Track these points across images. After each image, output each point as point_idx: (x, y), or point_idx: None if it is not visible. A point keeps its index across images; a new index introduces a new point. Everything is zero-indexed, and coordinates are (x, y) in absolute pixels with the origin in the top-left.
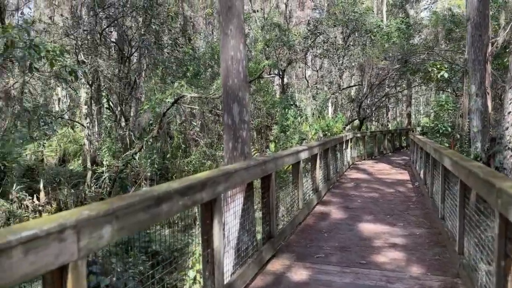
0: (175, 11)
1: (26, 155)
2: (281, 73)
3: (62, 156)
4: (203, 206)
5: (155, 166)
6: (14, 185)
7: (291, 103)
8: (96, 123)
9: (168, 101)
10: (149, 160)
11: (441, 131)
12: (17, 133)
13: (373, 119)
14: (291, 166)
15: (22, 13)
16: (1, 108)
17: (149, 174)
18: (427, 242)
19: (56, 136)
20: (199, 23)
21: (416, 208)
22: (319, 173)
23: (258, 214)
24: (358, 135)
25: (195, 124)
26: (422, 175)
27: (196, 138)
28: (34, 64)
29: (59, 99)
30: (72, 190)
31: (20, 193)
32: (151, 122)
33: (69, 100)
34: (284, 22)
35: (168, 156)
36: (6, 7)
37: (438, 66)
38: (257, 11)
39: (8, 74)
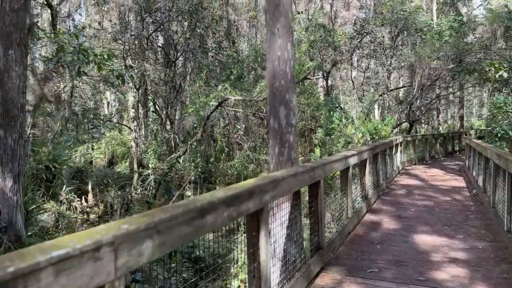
0: (219, 15)
1: (76, 157)
2: (325, 75)
3: (111, 158)
4: (249, 216)
5: (199, 169)
6: (64, 186)
7: (336, 105)
8: (142, 126)
9: (212, 104)
10: (192, 164)
11: (499, 135)
12: (65, 136)
13: (423, 121)
14: (339, 172)
15: (73, 19)
16: (52, 111)
17: (192, 177)
18: (492, 258)
19: (105, 138)
20: (243, 26)
21: (476, 218)
22: (368, 179)
23: (305, 224)
24: (408, 138)
25: (239, 127)
26: (480, 183)
27: (240, 142)
28: (82, 68)
29: (108, 103)
30: (119, 192)
31: (69, 194)
32: (195, 125)
33: (117, 104)
34: (329, 23)
35: (211, 159)
36: (58, 13)
37: (497, 66)
38: (301, 12)
39: (59, 78)
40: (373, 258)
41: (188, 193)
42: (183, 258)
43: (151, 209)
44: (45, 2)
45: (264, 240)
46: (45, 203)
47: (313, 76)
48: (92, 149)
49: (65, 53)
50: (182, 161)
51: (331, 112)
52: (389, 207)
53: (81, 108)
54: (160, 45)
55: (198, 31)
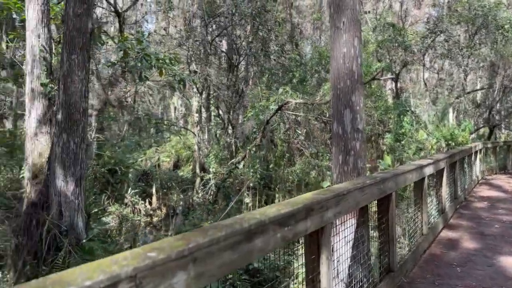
0: (282, 18)
1: (141, 160)
2: (394, 76)
3: (176, 162)
4: (308, 237)
5: (257, 175)
6: (129, 189)
7: (407, 108)
8: (206, 130)
9: (272, 108)
10: (251, 170)
11: None
12: (126, 140)
13: (503, 126)
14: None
15: (140, 26)
16: (116, 116)
17: (251, 184)
18: None
19: (171, 142)
20: (307, 28)
21: None
22: (445, 191)
23: (374, 242)
24: (489, 145)
25: (299, 132)
26: None
27: (301, 148)
28: (145, 73)
29: (175, 108)
30: (181, 196)
31: (134, 197)
32: (254, 130)
33: (184, 109)
34: (399, 22)
35: (271, 165)
36: (126, 21)
37: None
38: (369, 12)
39: (125, 83)
40: (452, 284)
41: (247, 200)
42: (240, 270)
43: (196, 229)
44: (113, 10)
45: (325, 264)
46: (110, 206)
47: (381, 77)
48: (158, 152)
49: (128, 58)
50: (242, 167)
51: (401, 116)
52: (469, 223)
53: (143, 113)
54: (223, 49)
55: (261, 34)
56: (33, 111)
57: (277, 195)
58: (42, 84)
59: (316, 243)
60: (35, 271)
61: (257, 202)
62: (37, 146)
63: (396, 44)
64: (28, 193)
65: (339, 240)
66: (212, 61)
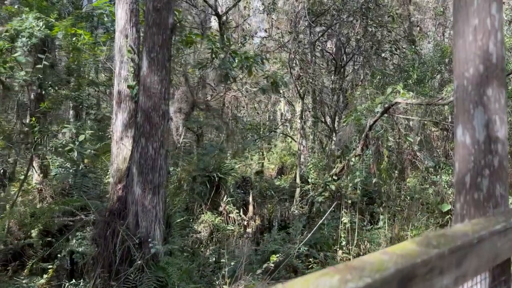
0: (398, 13)
1: (241, 166)
2: None
3: (281, 169)
4: None
5: (358, 191)
6: (225, 197)
7: None
8: (310, 137)
9: (377, 111)
10: (350, 184)
11: None
12: (208, 146)
13: None
14: None
15: (243, 29)
16: (203, 120)
17: (350, 200)
18: None
19: (276, 148)
20: (427, 25)
21: None
22: None
23: None
24: None
25: (412, 140)
26: None
27: (413, 160)
28: (232, 73)
29: (281, 114)
30: (278, 206)
31: (228, 205)
32: (354, 137)
33: (289, 114)
34: None
35: (373, 180)
36: (225, 23)
37: None
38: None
39: (220, 86)
40: None
41: (344, 219)
42: None
43: None
44: (213, 12)
45: None
46: (203, 214)
47: None
48: (261, 157)
49: (218, 58)
50: (339, 179)
51: None
52: None
53: (231, 118)
54: (328, 50)
55: (370, 29)
56: (120, 114)
57: (381, 216)
58: (129, 86)
59: None
60: (106, 285)
61: (357, 222)
62: (122, 150)
63: None
64: (110, 200)
65: None
66: (315, 62)
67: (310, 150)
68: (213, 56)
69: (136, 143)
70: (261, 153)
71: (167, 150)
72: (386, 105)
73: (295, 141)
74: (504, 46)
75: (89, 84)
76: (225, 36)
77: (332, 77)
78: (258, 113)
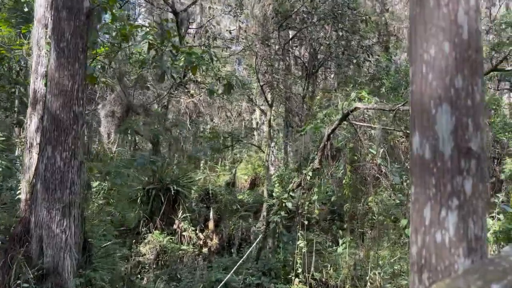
0: (374, 20)
1: (201, 179)
2: None
3: (254, 180)
4: None
5: (316, 210)
6: (180, 212)
7: None
8: (280, 147)
9: (337, 118)
10: (307, 201)
11: None
12: (140, 158)
13: None
14: None
15: (206, 31)
16: (133, 125)
17: (306, 221)
18: None
19: (249, 158)
20: (404, 34)
21: None
22: None
23: None
24: None
25: (374, 152)
26: None
27: (377, 175)
28: (168, 71)
29: (257, 123)
30: (241, 223)
31: (184, 222)
32: (311, 148)
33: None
34: None
35: (333, 197)
36: (185, 21)
37: None
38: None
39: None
40: None
41: (301, 242)
42: None
43: None
44: (170, 9)
45: None
46: (148, 234)
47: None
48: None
49: (158, 54)
50: (299, 197)
51: None
52: None
53: (174, 124)
54: (299, 55)
55: (341, 34)
56: (34, 117)
57: (342, 239)
58: (46, 84)
59: None
60: None
61: (314, 244)
62: (35, 159)
63: None
64: (19, 220)
65: None
66: (285, 68)
67: (281, 161)
68: (150, 51)
69: (42, 152)
70: (233, 163)
71: (81, 161)
72: (345, 111)
73: (263, 152)
74: (479, 16)
75: (4, 85)
76: (164, 27)
77: (303, 84)
78: (230, 121)
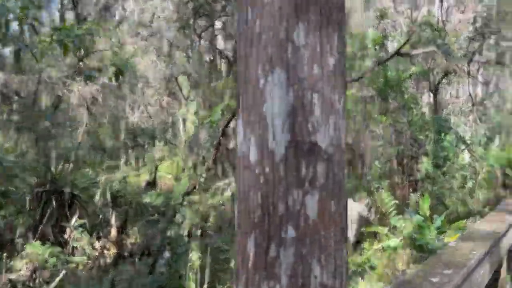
0: None
1: (103, 179)
2: (433, 87)
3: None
4: None
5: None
6: (73, 219)
7: (450, 126)
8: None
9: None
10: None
11: None
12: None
13: None
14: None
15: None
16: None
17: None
18: None
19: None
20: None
21: None
22: None
23: None
24: None
25: None
26: None
27: None
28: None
29: (184, 120)
30: (148, 229)
31: (77, 231)
32: (207, 145)
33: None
34: (438, 23)
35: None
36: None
37: None
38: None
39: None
40: None
41: (194, 254)
42: None
43: None
44: None
45: None
46: (27, 245)
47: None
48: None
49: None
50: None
51: (442, 135)
52: None
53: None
54: (218, 47)
55: None
56: None
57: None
58: None
59: None
60: None
61: (208, 257)
62: None
63: (435, 46)
64: None
65: None
66: (198, 59)
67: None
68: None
69: None
70: (160, 161)
71: None
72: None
73: (177, 148)
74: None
75: None
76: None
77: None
78: (150, 116)
